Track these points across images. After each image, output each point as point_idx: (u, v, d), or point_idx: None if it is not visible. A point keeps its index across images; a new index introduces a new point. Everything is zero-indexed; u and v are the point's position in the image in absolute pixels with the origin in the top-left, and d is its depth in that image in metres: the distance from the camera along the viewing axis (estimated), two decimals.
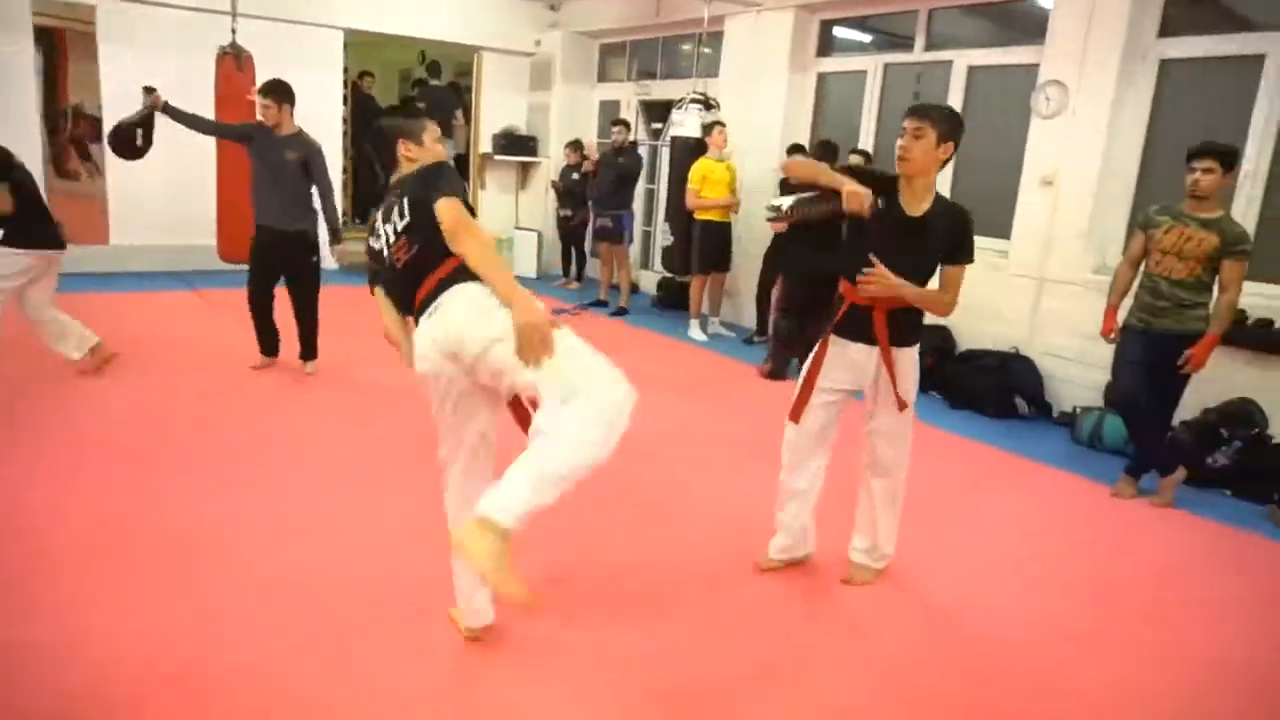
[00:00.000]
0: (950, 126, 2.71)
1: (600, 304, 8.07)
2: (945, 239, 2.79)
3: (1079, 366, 5.27)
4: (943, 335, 5.89)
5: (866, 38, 7.10)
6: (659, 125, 8.75)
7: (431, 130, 2.42)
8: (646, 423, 4.68)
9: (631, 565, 3.09)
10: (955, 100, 6.09)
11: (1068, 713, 2.40)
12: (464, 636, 2.52)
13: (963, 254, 2.81)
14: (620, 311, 7.81)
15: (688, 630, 2.67)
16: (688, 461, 4.18)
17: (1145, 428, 4.07)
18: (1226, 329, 3.89)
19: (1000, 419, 5.27)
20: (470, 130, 9.82)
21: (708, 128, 6.90)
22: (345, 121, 8.86)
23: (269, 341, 5.26)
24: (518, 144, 9.85)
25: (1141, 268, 4.08)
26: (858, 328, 2.84)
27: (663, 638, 2.62)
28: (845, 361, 2.89)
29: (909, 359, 2.89)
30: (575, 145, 8.75)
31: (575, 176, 8.52)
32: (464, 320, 2.17)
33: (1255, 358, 4.48)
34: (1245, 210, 4.72)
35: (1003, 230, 5.74)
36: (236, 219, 5.67)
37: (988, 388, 5.37)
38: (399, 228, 2.30)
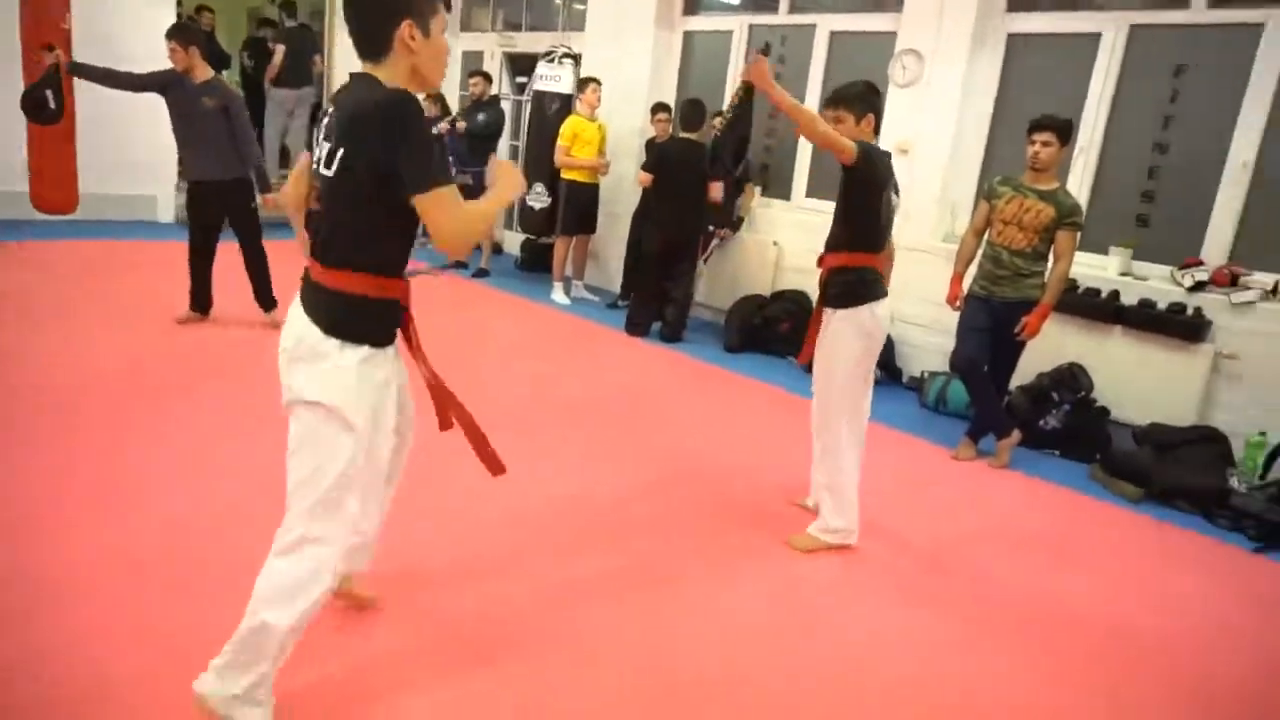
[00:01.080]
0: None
1: (461, 265, 7.75)
2: None
3: (929, 333, 5.42)
4: (799, 300, 5.95)
5: None
6: (524, 79, 8.44)
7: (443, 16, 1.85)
8: (502, 389, 4.56)
9: (486, 524, 2.94)
10: (817, 65, 6.11)
11: (897, 661, 2.42)
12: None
13: None
14: (481, 273, 7.54)
15: (517, 608, 2.55)
16: (539, 428, 4.04)
17: (985, 392, 4.21)
18: (1059, 297, 4.05)
19: None
20: (326, 75, 9.20)
21: (582, 84, 6.67)
22: None
23: (201, 297, 5.04)
24: None
25: (985, 237, 4.20)
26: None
27: (499, 622, 2.49)
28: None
29: (841, 321, 3.00)
30: (435, 97, 8.33)
31: (434, 130, 8.12)
32: None
33: (1084, 324, 4.70)
34: (1080, 184, 4.94)
35: None
36: (54, 165, 5.15)
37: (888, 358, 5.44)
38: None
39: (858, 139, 2.89)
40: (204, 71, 4.69)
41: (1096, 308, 4.66)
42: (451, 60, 9.17)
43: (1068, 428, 4.48)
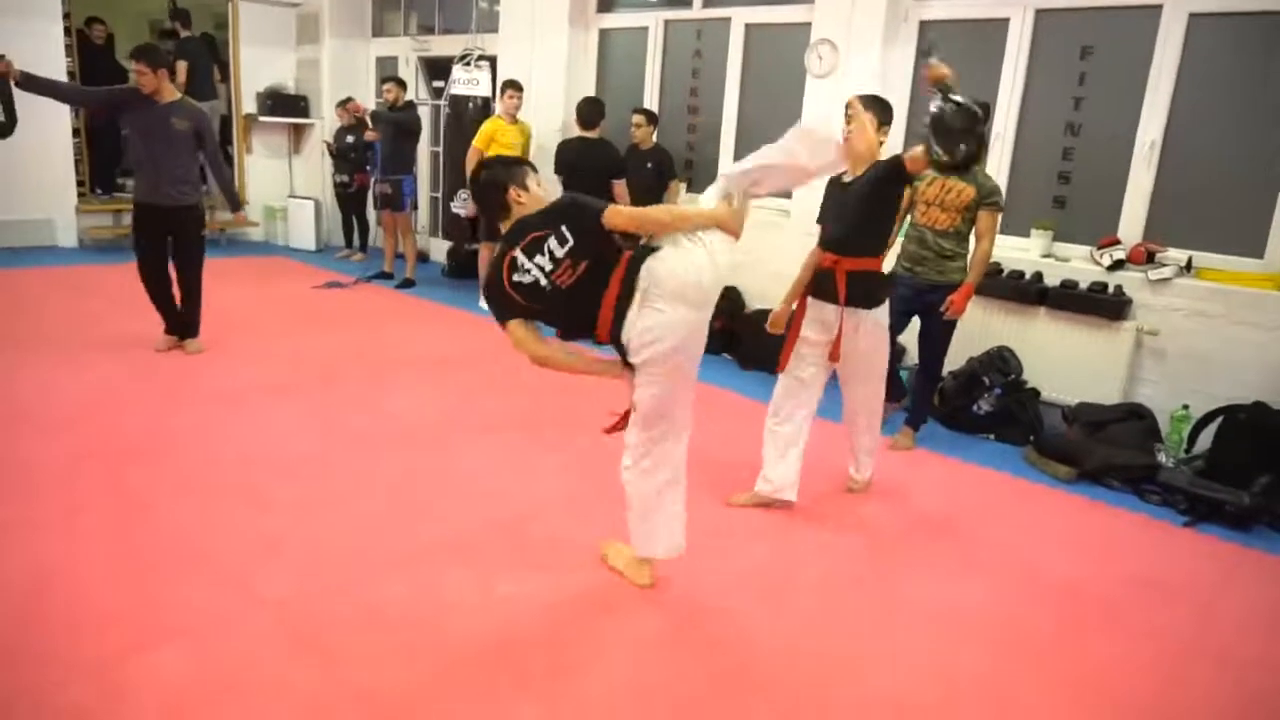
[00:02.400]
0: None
1: (385, 276, 7.53)
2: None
3: None
4: (732, 295, 5.89)
5: None
6: (440, 83, 8.23)
7: (534, 176, 2.63)
8: (428, 403, 4.40)
9: (423, 550, 2.78)
10: (734, 58, 6.05)
11: (834, 645, 2.36)
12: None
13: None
14: (407, 283, 7.32)
15: (464, 613, 2.42)
16: (470, 442, 3.89)
17: (914, 376, 4.22)
18: (982, 277, 4.06)
19: None
20: (230, 88, 8.85)
21: (503, 87, 6.50)
22: (72, 76, 7.68)
23: (174, 319, 4.90)
24: (286, 104, 8.99)
25: (908, 219, 4.20)
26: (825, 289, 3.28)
27: (441, 630, 2.35)
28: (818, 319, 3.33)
29: (881, 317, 3.33)
30: (346, 104, 8.09)
31: (350, 139, 7.88)
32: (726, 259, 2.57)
33: (1009, 308, 4.73)
34: (998, 167, 4.97)
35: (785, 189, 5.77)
36: None
37: (777, 347, 5.39)
38: (558, 255, 2.50)
39: (870, 147, 3.21)
40: (171, 93, 4.60)
41: (1021, 290, 4.69)
42: (365, 66, 8.97)
43: (1000, 411, 4.50)
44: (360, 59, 9.05)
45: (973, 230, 4.05)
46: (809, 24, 5.53)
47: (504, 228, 2.61)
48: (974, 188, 3.97)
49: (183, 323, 4.91)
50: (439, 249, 8.51)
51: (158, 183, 4.62)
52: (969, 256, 4.07)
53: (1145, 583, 3.06)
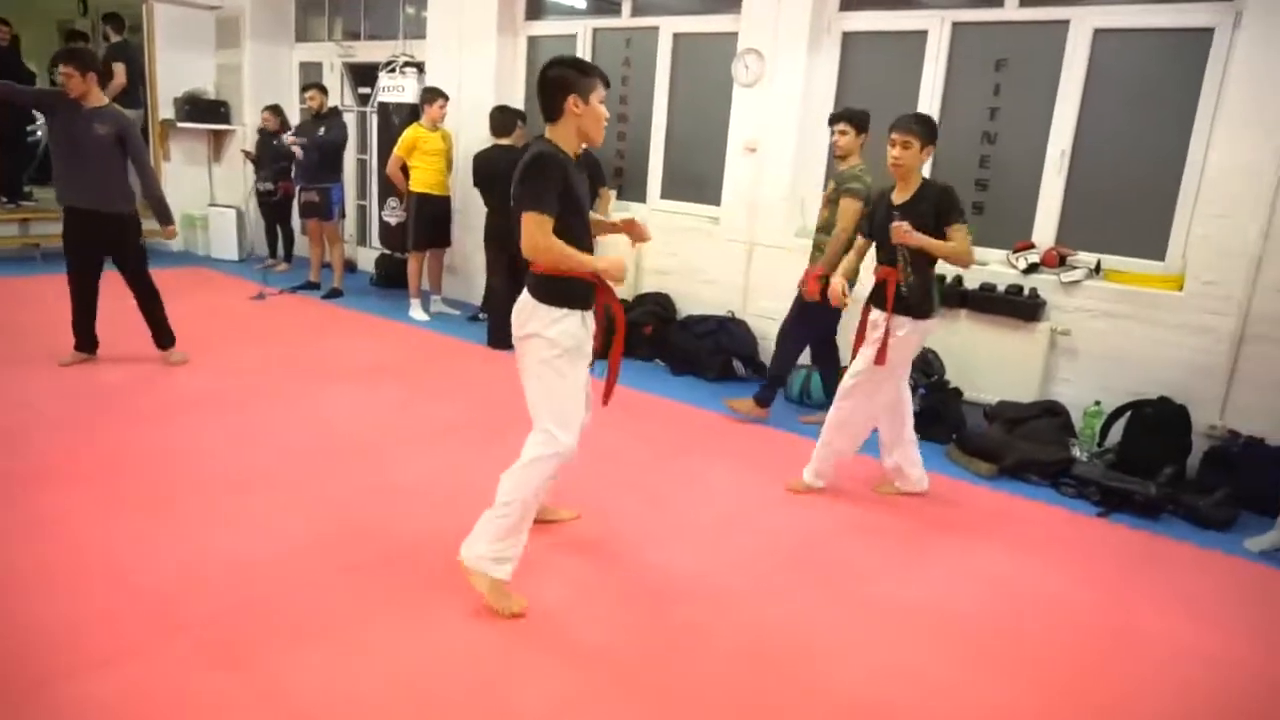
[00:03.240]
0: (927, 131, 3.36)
1: (312, 286, 7.36)
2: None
3: None
4: (662, 302, 5.94)
5: (577, 1, 6.94)
6: (367, 90, 8.11)
7: (600, 92, 2.58)
8: (358, 415, 4.31)
9: (361, 563, 2.72)
10: (663, 67, 6.12)
11: (756, 640, 2.40)
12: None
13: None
14: (335, 293, 7.17)
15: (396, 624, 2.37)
16: (408, 452, 3.83)
17: (781, 355, 4.67)
18: (833, 258, 4.24)
19: (720, 381, 5.39)
20: (146, 93, 8.55)
21: (428, 96, 6.43)
22: None
23: (85, 336, 4.72)
24: (206, 110, 8.75)
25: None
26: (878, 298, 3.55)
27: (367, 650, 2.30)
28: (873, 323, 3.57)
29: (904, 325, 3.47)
30: (275, 109, 7.91)
31: (275, 143, 7.68)
32: None
33: None
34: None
35: (714, 197, 5.85)
36: None
37: (707, 352, 5.46)
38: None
39: (911, 165, 3.38)
40: (98, 98, 4.46)
41: (943, 293, 4.82)
42: (288, 72, 8.78)
43: (925, 411, 4.61)
44: (283, 64, 8.86)
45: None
46: (736, 34, 5.62)
47: (550, 133, 2.56)
48: (835, 180, 4.36)
49: (155, 332, 4.86)
50: (366, 258, 8.36)
51: (81, 189, 4.48)
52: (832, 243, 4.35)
53: (1064, 571, 3.18)
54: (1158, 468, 3.89)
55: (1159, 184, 4.45)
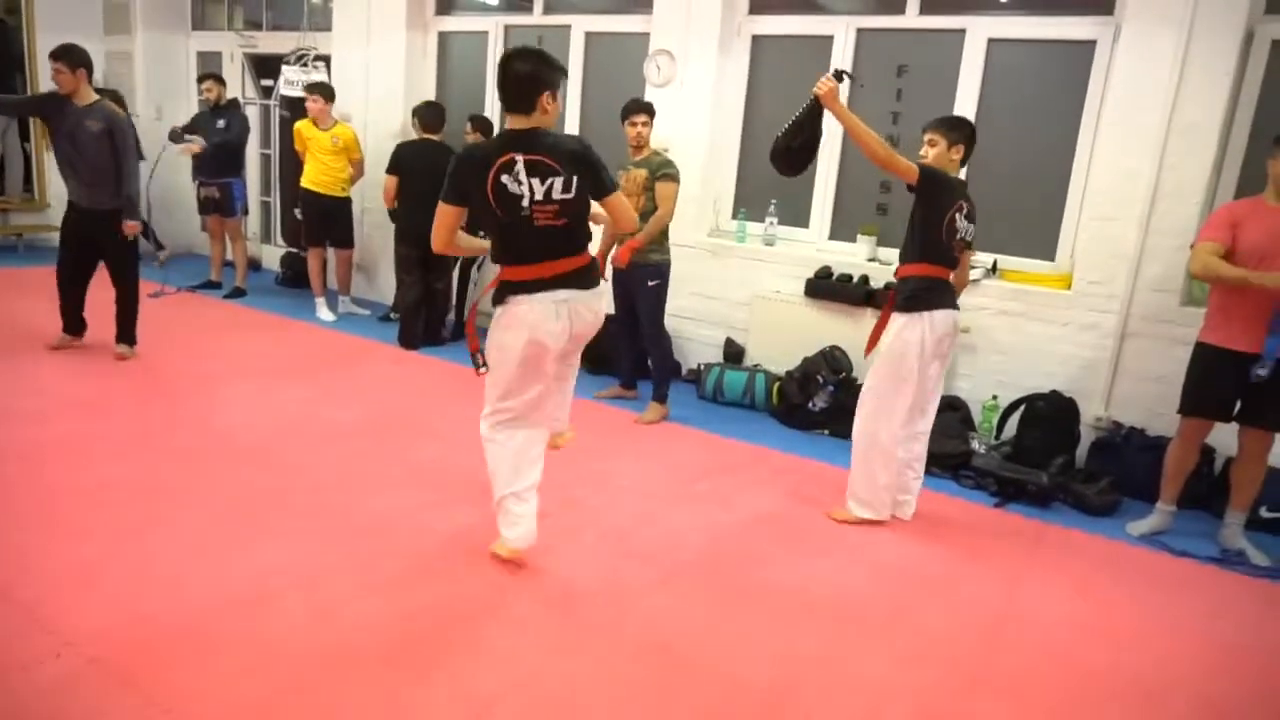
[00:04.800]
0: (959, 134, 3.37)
1: (213, 285, 7.08)
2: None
3: (700, 326, 5.59)
4: None
5: None
6: (270, 82, 7.84)
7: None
8: (260, 420, 4.16)
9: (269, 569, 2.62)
10: (575, 66, 6.10)
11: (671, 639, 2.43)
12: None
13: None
14: (237, 293, 6.90)
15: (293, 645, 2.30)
16: (310, 455, 3.72)
17: (627, 347, 4.93)
18: (650, 236, 4.50)
19: (646, 381, 5.40)
20: (27, 82, 8.06)
21: (306, 89, 6.26)
22: None
23: (72, 320, 4.89)
24: None
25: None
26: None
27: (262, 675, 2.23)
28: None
29: (903, 322, 3.38)
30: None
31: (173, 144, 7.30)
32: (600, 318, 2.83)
33: (840, 309, 5.00)
34: (827, 175, 5.25)
35: None
36: None
37: (624, 353, 5.46)
38: (554, 197, 2.57)
39: (937, 162, 3.35)
40: (89, 94, 4.58)
41: (849, 293, 4.97)
42: (185, 61, 8.41)
43: (834, 407, 4.74)
44: (179, 53, 8.48)
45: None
46: (648, 34, 5.65)
47: (513, 121, 2.59)
48: (646, 169, 4.56)
49: (120, 327, 4.89)
50: (271, 256, 8.09)
51: (78, 185, 4.61)
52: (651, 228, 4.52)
53: (964, 559, 3.32)
54: (1050, 458, 4.09)
55: (1049, 188, 4.67)
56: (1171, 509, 3.72)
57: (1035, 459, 4.11)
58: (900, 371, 3.40)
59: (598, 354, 5.53)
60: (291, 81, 6.76)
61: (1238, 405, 3.50)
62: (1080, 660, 2.68)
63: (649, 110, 4.68)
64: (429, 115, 5.84)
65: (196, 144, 6.41)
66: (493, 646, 2.48)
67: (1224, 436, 3.73)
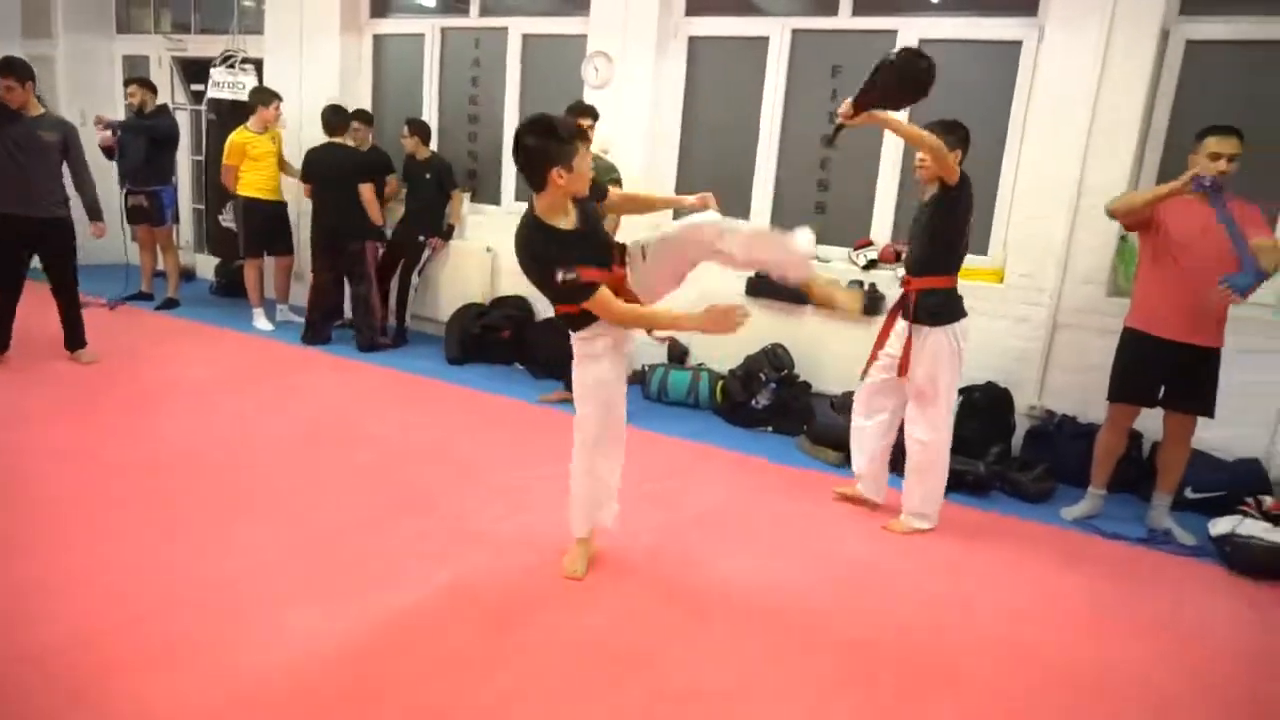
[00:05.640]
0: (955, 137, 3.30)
1: (144, 296, 6.86)
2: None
3: None
4: (520, 305, 5.89)
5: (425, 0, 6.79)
6: (200, 87, 7.63)
7: (585, 151, 2.62)
8: (196, 434, 4.04)
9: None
10: (513, 67, 6.07)
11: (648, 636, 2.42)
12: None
13: None
14: (170, 304, 6.71)
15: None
16: (251, 466, 3.62)
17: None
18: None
19: None
20: None
21: (262, 97, 6.12)
22: None
23: (2, 334, 4.82)
24: None
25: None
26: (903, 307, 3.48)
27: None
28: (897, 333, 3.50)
29: (940, 335, 3.34)
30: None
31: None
32: None
33: (780, 307, 5.03)
34: (765, 173, 5.30)
35: None
36: None
37: (567, 354, 5.43)
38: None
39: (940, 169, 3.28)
40: (37, 106, 4.70)
41: (789, 290, 4.96)
42: (109, 66, 8.16)
43: (776, 404, 4.79)
44: (103, 57, 8.22)
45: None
46: (585, 36, 5.64)
47: (538, 201, 2.64)
48: (594, 171, 4.58)
49: (69, 333, 4.97)
50: (205, 265, 7.88)
51: (28, 195, 4.63)
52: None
53: (906, 551, 3.37)
54: (986, 448, 4.18)
55: (981, 184, 4.73)
56: (1102, 493, 3.83)
57: (973, 449, 4.19)
58: (958, 378, 3.45)
59: (542, 358, 5.52)
60: (219, 84, 6.60)
61: (1162, 390, 3.62)
62: (1017, 642, 2.73)
63: (593, 114, 4.68)
64: (332, 118, 5.89)
65: (109, 136, 6.23)
66: (438, 658, 2.44)
67: (1151, 422, 3.86)
